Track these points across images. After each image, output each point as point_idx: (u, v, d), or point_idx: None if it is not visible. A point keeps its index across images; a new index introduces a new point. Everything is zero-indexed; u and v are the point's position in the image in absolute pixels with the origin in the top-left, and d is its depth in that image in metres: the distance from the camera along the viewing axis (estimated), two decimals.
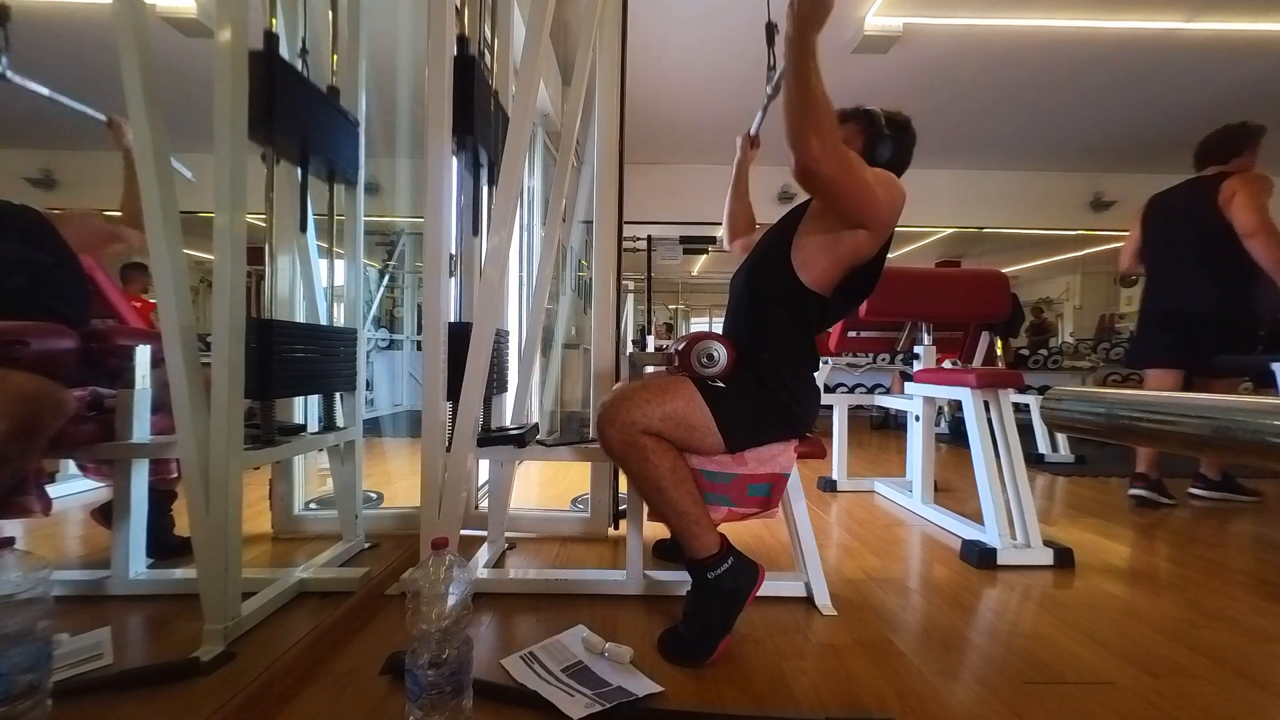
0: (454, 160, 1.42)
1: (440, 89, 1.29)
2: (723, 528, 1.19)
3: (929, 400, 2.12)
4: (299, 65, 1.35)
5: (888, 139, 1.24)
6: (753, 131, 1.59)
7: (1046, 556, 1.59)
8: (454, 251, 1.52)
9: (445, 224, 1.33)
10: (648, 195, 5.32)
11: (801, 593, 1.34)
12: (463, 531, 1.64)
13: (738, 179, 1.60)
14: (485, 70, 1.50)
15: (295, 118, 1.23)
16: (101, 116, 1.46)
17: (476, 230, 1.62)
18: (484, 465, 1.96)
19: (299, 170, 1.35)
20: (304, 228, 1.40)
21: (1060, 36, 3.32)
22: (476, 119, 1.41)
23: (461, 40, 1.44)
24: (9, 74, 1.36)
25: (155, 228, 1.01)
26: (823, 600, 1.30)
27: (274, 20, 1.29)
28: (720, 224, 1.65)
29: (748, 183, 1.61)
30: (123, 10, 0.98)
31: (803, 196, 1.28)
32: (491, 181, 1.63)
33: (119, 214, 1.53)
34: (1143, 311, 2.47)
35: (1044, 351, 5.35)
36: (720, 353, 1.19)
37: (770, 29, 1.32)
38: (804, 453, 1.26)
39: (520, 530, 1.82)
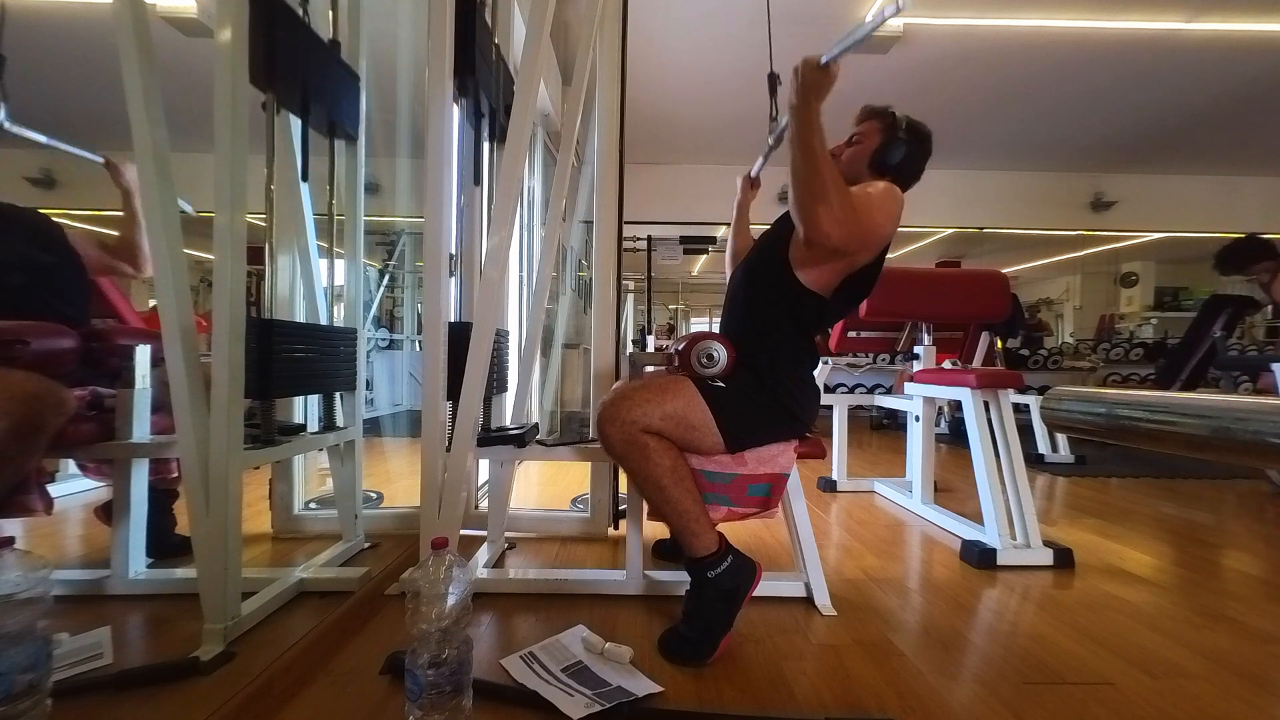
0: (455, 110, 1.38)
1: (443, 32, 1.26)
2: (722, 527, 1.19)
3: (929, 400, 2.12)
4: (300, 14, 1.33)
5: (901, 143, 1.24)
6: (753, 174, 1.59)
7: (1046, 557, 1.59)
8: (454, 251, 1.52)
9: (445, 223, 1.33)
10: (648, 195, 5.32)
11: (801, 593, 1.34)
12: (463, 531, 1.64)
13: (739, 218, 1.60)
14: (486, 19, 1.47)
15: (297, 64, 1.21)
16: (99, 158, 1.46)
17: (478, 180, 1.60)
18: (484, 465, 1.96)
19: (300, 120, 1.32)
20: (304, 176, 1.37)
21: (1060, 36, 3.32)
22: (479, 63, 1.38)
23: None
24: (7, 124, 1.35)
25: (155, 228, 1.01)
26: (822, 600, 1.30)
27: None
28: (720, 224, 1.65)
29: (748, 222, 1.61)
30: (123, 10, 0.98)
31: None
32: (492, 133, 1.62)
33: (114, 234, 1.53)
34: None
35: (1043, 352, 5.23)
36: (720, 353, 1.19)
37: (772, 79, 1.32)
38: (804, 453, 1.26)
39: (520, 530, 1.81)
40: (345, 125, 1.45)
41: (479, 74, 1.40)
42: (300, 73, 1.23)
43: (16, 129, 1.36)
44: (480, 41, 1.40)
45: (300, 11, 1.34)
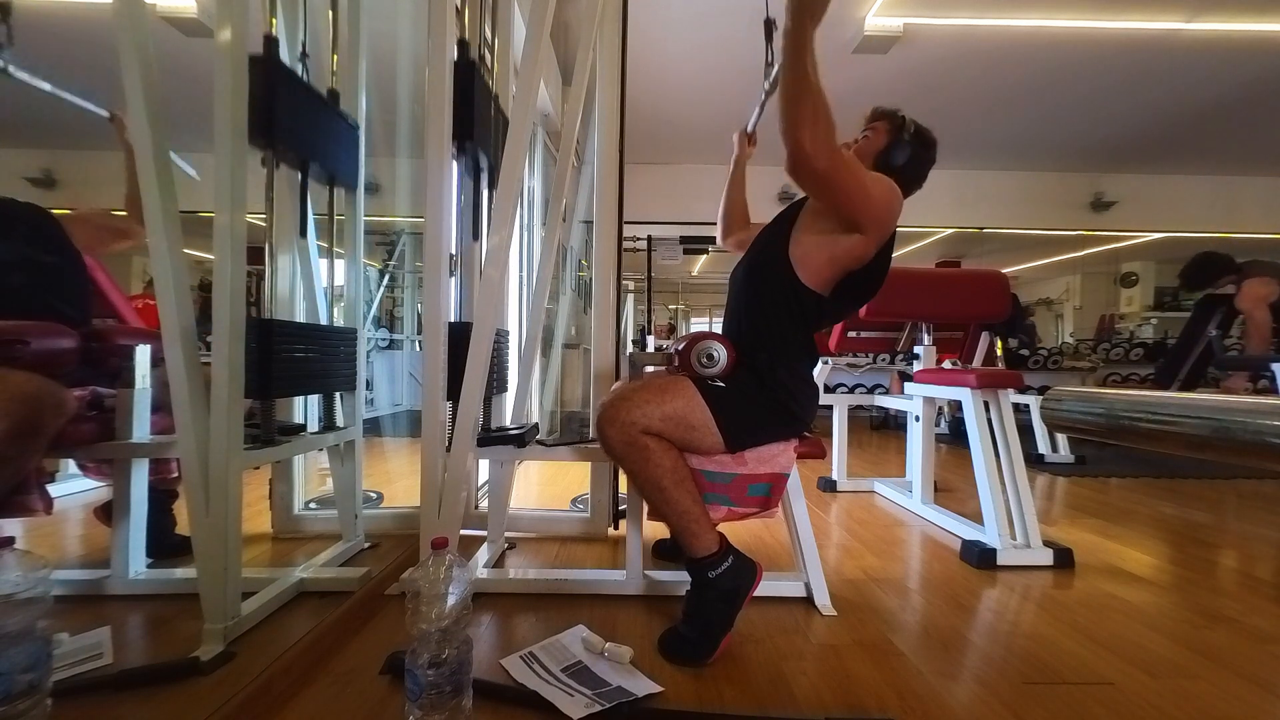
0: (454, 164, 1.42)
1: (440, 93, 1.29)
2: (722, 527, 1.19)
3: (929, 400, 2.12)
4: (299, 69, 1.35)
5: (907, 145, 1.24)
6: (750, 128, 1.58)
7: (1046, 557, 1.59)
8: (454, 251, 1.52)
9: (445, 224, 1.33)
10: (648, 195, 5.32)
11: (801, 593, 1.34)
12: (463, 531, 1.64)
13: (735, 176, 1.58)
14: (486, 74, 1.50)
15: (295, 123, 1.23)
16: (104, 112, 1.47)
17: (477, 235, 1.62)
18: (484, 465, 1.96)
19: (299, 175, 1.34)
20: (304, 232, 1.40)
21: (1060, 37, 3.32)
22: (476, 124, 1.41)
23: (462, 45, 1.43)
24: (12, 69, 1.37)
25: (155, 228, 1.01)
26: (822, 600, 1.30)
27: (274, 21, 1.29)
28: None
29: (744, 180, 1.60)
30: (123, 10, 0.98)
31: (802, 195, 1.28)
32: (491, 185, 1.63)
33: (124, 212, 1.54)
34: None
35: (1024, 351, 5.04)
36: (720, 353, 1.19)
37: (769, 25, 1.31)
38: (804, 453, 1.26)
39: (520, 530, 1.81)
40: (345, 176, 1.47)
41: (477, 135, 1.43)
42: (299, 132, 1.25)
43: (22, 75, 1.38)
44: (479, 104, 1.43)
45: (300, 65, 1.36)
